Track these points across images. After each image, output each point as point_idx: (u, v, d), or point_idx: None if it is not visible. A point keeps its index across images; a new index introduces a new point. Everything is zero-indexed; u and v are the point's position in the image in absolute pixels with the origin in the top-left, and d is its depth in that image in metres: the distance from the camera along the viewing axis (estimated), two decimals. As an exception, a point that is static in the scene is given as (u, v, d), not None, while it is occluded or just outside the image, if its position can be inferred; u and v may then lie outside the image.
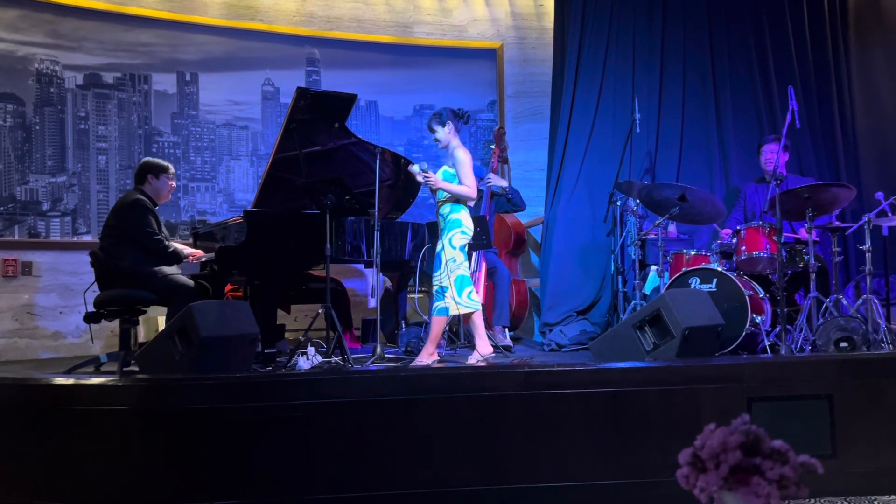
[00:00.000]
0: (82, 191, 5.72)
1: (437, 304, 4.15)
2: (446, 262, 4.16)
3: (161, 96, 5.98)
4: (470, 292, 4.18)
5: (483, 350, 4.20)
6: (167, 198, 4.60)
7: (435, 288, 4.20)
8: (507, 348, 4.91)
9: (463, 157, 4.24)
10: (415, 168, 4.34)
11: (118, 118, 5.85)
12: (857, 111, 5.91)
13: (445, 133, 4.29)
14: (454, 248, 4.20)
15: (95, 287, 4.36)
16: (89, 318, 4.30)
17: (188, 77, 6.05)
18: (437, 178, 4.25)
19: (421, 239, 4.97)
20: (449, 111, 4.32)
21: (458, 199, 4.25)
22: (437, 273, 4.19)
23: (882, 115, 5.94)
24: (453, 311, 4.18)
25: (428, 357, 4.17)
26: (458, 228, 4.23)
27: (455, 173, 4.25)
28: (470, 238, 4.28)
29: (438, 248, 4.23)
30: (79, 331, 5.53)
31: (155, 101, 5.97)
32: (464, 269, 4.20)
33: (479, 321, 4.23)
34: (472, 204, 4.38)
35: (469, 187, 4.22)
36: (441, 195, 4.28)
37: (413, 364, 4.14)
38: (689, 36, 5.83)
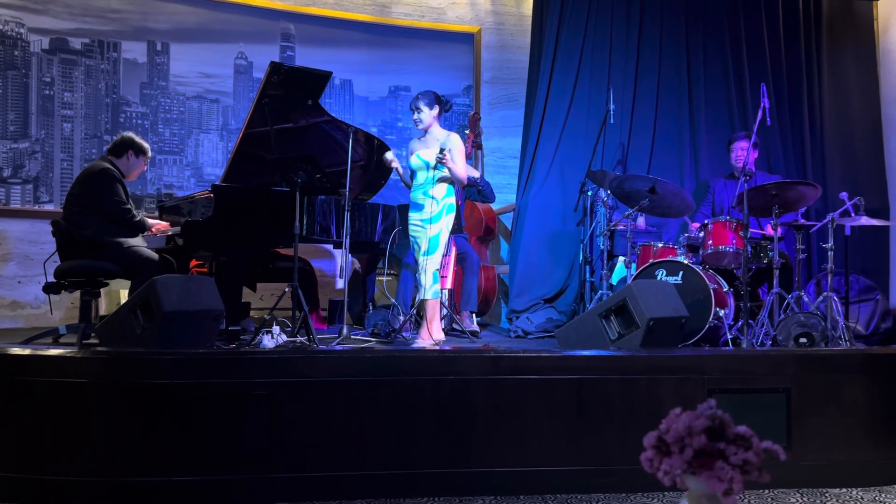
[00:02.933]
0: (45, 158, 5.58)
1: (435, 287, 4.22)
2: (442, 245, 4.24)
3: (130, 65, 5.84)
4: None
5: (437, 335, 4.28)
6: (134, 178, 4.63)
7: (432, 271, 4.22)
8: (473, 333, 4.92)
9: (459, 142, 4.33)
10: (444, 144, 4.26)
11: (85, 85, 5.70)
12: (826, 112, 6.01)
13: (431, 115, 4.32)
14: (448, 231, 4.30)
15: (56, 257, 4.27)
16: (49, 289, 4.22)
17: (159, 46, 5.91)
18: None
19: (392, 221, 4.94)
20: (437, 95, 4.35)
21: (452, 182, 4.31)
22: (433, 255, 4.21)
23: (850, 117, 6.05)
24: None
25: (439, 334, 4.27)
26: (454, 213, 4.34)
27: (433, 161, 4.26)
28: None
29: (434, 230, 4.21)
30: (38, 301, 5.42)
31: (124, 70, 5.83)
32: None
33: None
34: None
35: (464, 172, 4.35)
36: (437, 177, 4.25)
37: (418, 345, 4.16)
38: (665, 29, 5.87)
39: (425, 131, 4.35)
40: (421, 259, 4.27)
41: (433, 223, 4.24)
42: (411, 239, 4.39)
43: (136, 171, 4.52)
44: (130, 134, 4.53)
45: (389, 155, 4.48)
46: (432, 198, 4.25)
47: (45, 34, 5.59)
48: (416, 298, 5.02)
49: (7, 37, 5.47)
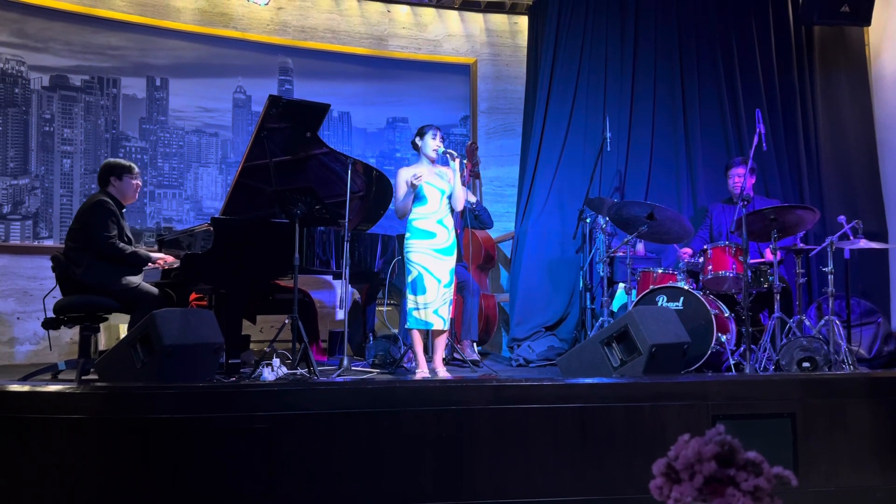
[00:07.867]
0: (45, 194, 5.60)
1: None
2: None
3: (130, 101, 5.89)
4: None
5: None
6: (134, 198, 4.46)
7: (448, 301, 4.21)
8: (475, 363, 4.89)
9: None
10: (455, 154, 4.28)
11: (84, 121, 5.75)
12: (821, 136, 6.05)
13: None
14: None
15: (56, 293, 4.25)
16: (48, 325, 4.19)
17: (158, 82, 5.97)
18: None
19: (391, 251, 4.94)
20: None
21: (453, 211, 4.35)
22: (452, 286, 4.23)
23: (845, 141, 6.09)
24: None
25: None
26: None
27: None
28: None
29: (453, 262, 4.24)
30: (37, 337, 5.39)
31: (123, 106, 5.87)
32: None
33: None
34: None
35: (463, 194, 4.40)
36: (449, 206, 4.27)
37: (426, 375, 4.12)
38: (660, 56, 5.93)
39: (432, 162, 4.24)
40: (443, 290, 4.14)
41: (453, 254, 4.22)
42: (420, 267, 4.12)
43: (131, 192, 4.37)
44: (109, 160, 4.47)
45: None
46: (446, 227, 4.22)
47: (45, 71, 5.64)
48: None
49: (8, 75, 5.52)
